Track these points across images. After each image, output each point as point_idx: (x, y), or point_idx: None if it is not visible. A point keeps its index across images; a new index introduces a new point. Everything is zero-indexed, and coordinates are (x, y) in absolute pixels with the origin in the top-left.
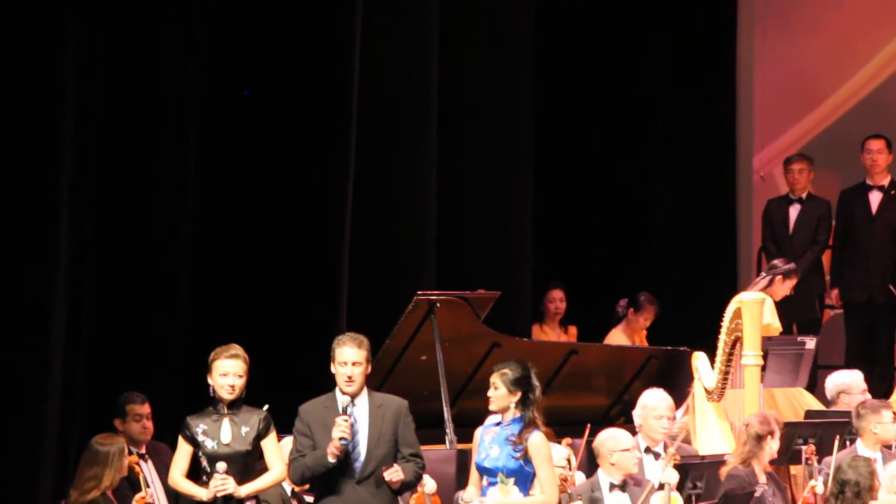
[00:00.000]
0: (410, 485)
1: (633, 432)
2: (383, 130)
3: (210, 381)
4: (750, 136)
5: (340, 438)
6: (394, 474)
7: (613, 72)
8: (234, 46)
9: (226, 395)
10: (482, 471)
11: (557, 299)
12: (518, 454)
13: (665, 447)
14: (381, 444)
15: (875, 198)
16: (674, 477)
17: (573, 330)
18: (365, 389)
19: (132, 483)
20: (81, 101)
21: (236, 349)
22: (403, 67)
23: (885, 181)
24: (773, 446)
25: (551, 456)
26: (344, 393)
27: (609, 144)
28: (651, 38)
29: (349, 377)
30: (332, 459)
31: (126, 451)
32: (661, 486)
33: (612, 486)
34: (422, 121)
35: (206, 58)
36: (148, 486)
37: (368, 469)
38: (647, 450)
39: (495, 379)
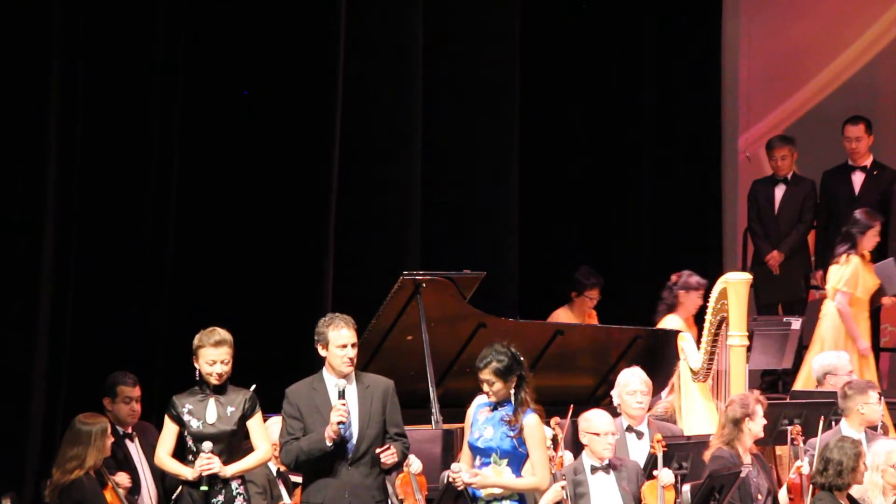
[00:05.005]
0: (398, 464)
1: (617, 413)
2: (368, 111)
3: (196, 364)
4: (735, 116)
5: (339, 423)
6: (389, 456)
7: (599, 50)
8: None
9: (213, 381)
10: (475, 451)
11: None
12: (513, 433)
13: (649, 425)
14: (372, 424)
15: (858, 179)
16: (669, 477)
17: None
18: (352, 370)
19: (118, 462)
20: (69, 73)
21: (221, 334)
22: (388, 46)
23: (868, 162)
24: (753, 427)
25: (545, 439)
26: (343, 374)
27: (594, 124)
28: (638, 17)
29: (350, 359)
30: (329, 443)
31: (109, 430)
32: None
33: (595, 469)
34: (407, 100)
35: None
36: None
37: (361, 449)
38: (629, 429)
39: (488, 376)
